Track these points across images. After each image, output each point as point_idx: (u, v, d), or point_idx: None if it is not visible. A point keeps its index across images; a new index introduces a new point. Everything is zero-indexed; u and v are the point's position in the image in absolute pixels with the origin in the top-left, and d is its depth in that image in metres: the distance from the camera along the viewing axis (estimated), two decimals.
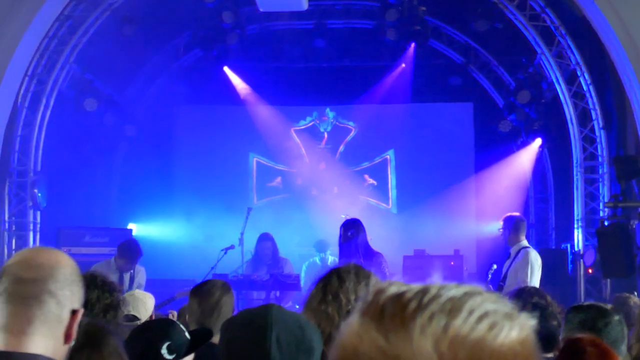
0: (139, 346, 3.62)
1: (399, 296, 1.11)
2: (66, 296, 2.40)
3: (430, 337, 1.06)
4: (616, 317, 4.31)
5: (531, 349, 1.11)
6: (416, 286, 1.13)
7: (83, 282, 2.50)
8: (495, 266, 10.50)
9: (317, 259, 13.33)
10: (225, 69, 16.05)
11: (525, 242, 10.32)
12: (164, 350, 3.62)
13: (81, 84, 14.96)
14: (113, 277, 9.83)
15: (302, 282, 12.28)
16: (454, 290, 1.11)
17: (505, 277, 10.08)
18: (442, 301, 1.09)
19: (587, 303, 4.54)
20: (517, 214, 10.62)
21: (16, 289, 2.39)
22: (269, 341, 2.44)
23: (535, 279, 9.86)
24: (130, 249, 11.12)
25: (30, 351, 2.33)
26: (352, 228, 10.03)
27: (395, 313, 1.09)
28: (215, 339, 3.19)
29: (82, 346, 2.92)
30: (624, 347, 4.29)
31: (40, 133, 14.68)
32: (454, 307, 1.08)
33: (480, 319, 1.08)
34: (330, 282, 3.16)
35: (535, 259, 10.06)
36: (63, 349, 2.42)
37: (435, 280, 1.15)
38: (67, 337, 2.40)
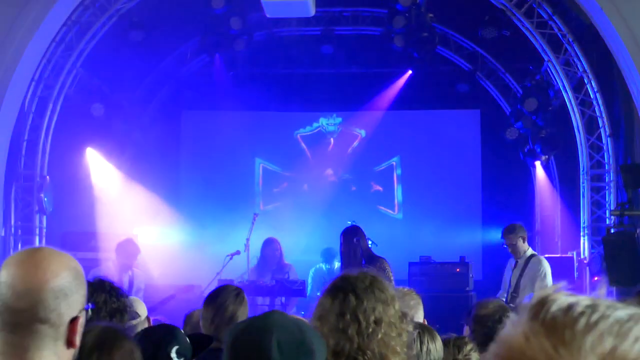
0: (149, 348, 3.68)
1: (569, 308, 1.13)
2: (60, 314, 2.37)
3: (599, 357, 1.07)
4: None
5: None
6: (583, 299, 1.14)
7: (83, 283, 2.47)
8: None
9: (323, 266, 13.31)
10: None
11: (530, 250, 10.32)
12: (173, 355, 3.70)
13: (88, 89, 15.02)
14: None
15: (308, 288, 12.27)
16: (621, 311, 1.12)
17: (517, 287, 10.03)
18: (610, 322, 1.10)
19: None
20: (517, 223, 10.58)
21: (7, 318, 2.37)
22: (269, 344, 2.53)
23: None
24: (127, 247, 11.15)
25: None
26: (355, 235, 10.02)
27: (566, 326, 1.11)
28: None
29: (91, 349, 2.92)
30: None
31: (46, 137, 14.71)
32: (621, 331, 1.10)
33: None
34: (348, 300, 3.13)
35: (548, 267, 10.07)
36: (67, 355, 2.40)
37: (601, 294, 1.17)
38: (69, 343, 2.39)
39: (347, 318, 3.09)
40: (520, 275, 10.07)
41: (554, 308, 1.14)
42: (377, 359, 3.06)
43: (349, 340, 3.07)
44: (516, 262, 10.27)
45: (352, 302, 3.12)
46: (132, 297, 6.17)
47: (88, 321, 2.56)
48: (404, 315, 3.21)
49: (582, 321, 1.10)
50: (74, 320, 2.40)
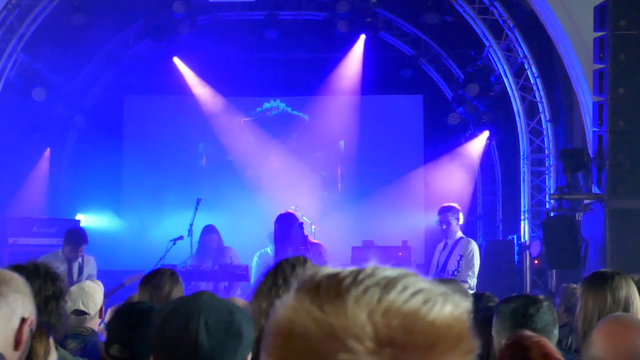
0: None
1: (334, 274, 1.16)
2: (17, 301, 2.41)
3: (365, 307, 1.10)
4: (546, 303, 4.41)
5: (465, 325, 1.15)
6: (352, 267, 1.17)
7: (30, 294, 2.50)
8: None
9: (269, 250, 13.32)
10: (175, 59, 15.97)
11: (460, 232, 10.43)
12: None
13: (29, 73, 14.84)
14: (62, 268, 9.77)
15: (253, 272, 12.29)
16: (389, 271, 1.16)
17: (444, 267, 10.12)
18: (377, 278, 1.14)
19: (514, 295, 4.64)
20: (453, 204, 10.70)
21: None
22: (196, 326, 2.50)
23: (477, 270, 10.01)
24: (74, 236, 11.05)
25: None
26: (289, 221, 10.09)
27: (330, 287, 1.14)
28: None
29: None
30: (556, 332, 4.40)
31: None
32: (388, 283, 1.13)
33: (415, 294, 1.13)
34: (282, 269, 3.21)
35: (477, 248, 10.20)
36: (13, 356, 2.41)
37: (371, 264, 1.19)
38: (16, 342, 2.40)
39: (280, 282, 3.16)
40: (449, 256, 10.15)
41: (319, 276, 1.17)
42: None
43: (280, 299, 3.11)
44: (446, 242, 10.37)
45: (286, 269, 3.21)
46: (89, 286, 6.08)
47: None
48: None
49: (347, 280, 1.14)
50: (23, 321, 2.43)
